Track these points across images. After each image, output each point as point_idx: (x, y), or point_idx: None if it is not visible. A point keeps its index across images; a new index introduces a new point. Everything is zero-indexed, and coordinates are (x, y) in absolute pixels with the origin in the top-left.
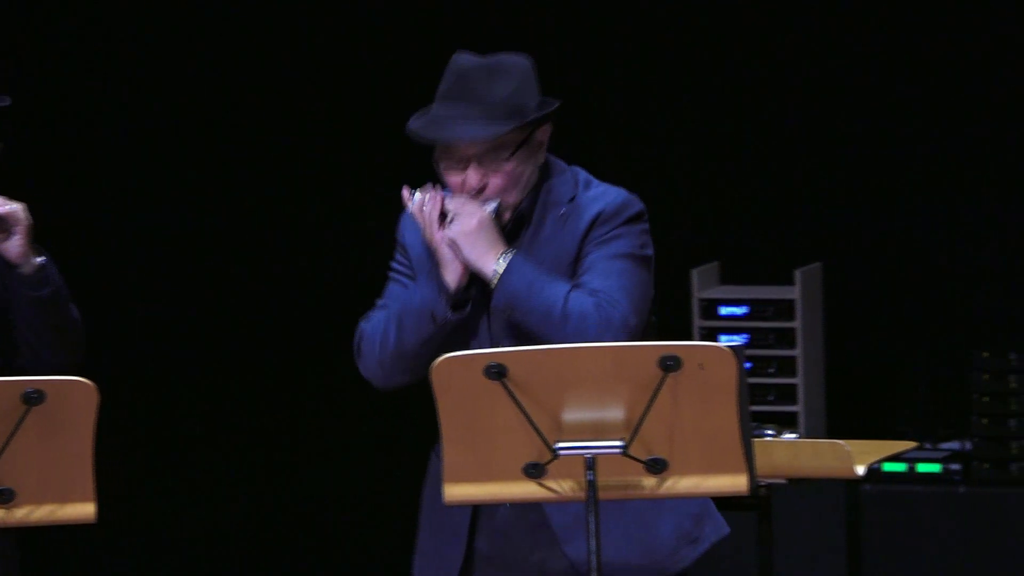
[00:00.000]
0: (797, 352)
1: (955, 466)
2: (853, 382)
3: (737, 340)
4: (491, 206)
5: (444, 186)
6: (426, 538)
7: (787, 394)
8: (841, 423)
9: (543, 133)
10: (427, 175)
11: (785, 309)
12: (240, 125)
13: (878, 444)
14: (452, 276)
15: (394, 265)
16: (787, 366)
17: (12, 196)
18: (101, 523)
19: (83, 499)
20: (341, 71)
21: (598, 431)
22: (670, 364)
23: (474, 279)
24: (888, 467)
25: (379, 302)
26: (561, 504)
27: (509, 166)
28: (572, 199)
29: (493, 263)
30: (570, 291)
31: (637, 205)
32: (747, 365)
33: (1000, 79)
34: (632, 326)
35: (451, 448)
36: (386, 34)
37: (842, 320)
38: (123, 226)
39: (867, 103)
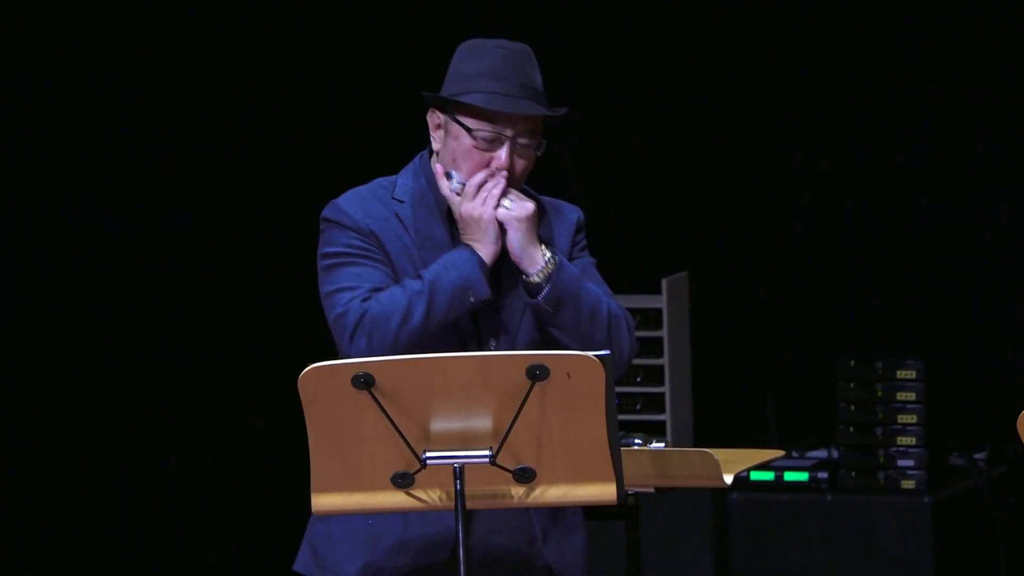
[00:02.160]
0: (664, 361)
1: (822, 474)
2: (720, 391)
3: (603, 350)
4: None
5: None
6: (394, 523)
7: (655, 403)
8: (708, 432)
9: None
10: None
11: (652, 318)
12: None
13: (745, 453)
14: (489, 256)
15: (348, 250)
16: (654, 375)
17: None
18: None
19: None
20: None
21: (466, 441)
22: (537, 373)
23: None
24: (755, 476)
25: (346, 284)
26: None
27: (536, 152)
28: (535, 198)
29: (540, 256)
30: (602, 295)
31: None
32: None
33: (874, 83)
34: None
35: (318, 458)
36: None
37: (709, 329)
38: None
39: (731, 110)
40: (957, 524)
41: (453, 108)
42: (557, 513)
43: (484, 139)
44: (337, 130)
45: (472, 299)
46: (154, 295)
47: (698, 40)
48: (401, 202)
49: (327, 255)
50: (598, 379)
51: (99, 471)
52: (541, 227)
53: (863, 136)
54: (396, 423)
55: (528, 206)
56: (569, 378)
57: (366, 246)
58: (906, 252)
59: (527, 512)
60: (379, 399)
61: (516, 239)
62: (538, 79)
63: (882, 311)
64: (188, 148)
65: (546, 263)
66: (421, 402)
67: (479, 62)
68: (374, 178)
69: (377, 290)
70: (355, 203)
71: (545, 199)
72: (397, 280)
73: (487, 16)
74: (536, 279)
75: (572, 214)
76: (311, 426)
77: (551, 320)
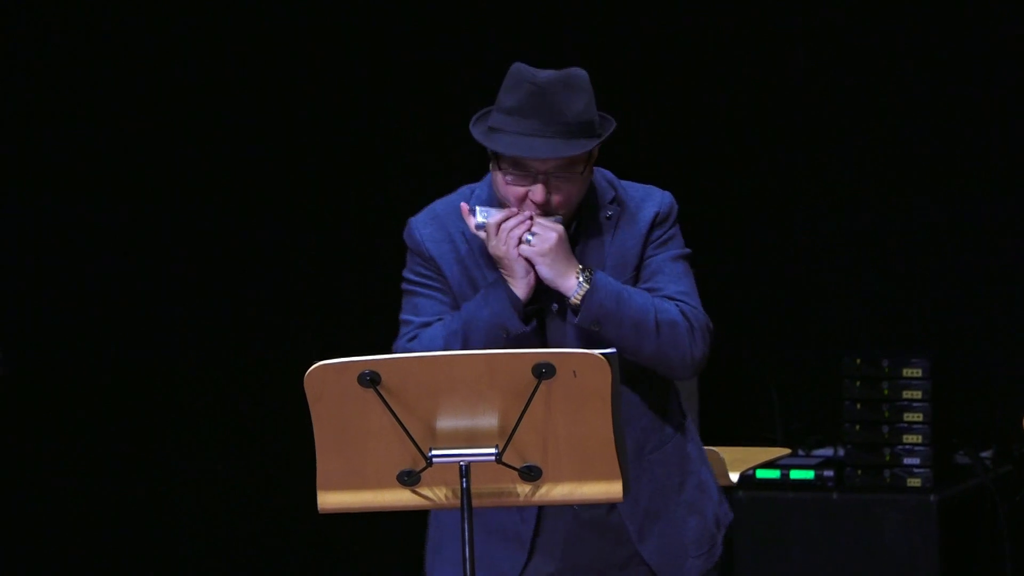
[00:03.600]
0: None
1: (828, 473)
2: (726, 389)
3: (610, 348)
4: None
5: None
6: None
7: None
8: (714, 430)
9: (597, 149)
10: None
11: None
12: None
13: (751, 451)
14: (522, 291)
15: (414, 278)
16: None
17: None
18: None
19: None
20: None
21: (472, 439)
22: (544, 372)
23: (537, 294)
24: (761, 474)
25: (404, 317)
26: (632, 503)
27: (581, 180)
28: (613, 199)
29: (574, 281)
30: (653, 301)
31: (676, 203)
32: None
33: (877, 83)
34: (712, 328)
35: (324, 456)
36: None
37: (715, 327)
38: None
39: (736, 108)
40: (963, 522)
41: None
42: (655, 509)
43: (513, 175)
44: (337, 130)
45: (506, 335)
46: (154, 295)
47: (699, 40)
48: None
49: (403, 279)
50: (604, 377)
51: (99, 471)
52: (596, 231)
53: (870, 134)
54: (402, 421)
55: (551, 237)
56: (575, 376)
57: (427, 273)
58: (912, 250)
59: (618, 515)
60: (385, 397)
61: (544, 272)
62: (575, 108)
63: (888, 309)
64: (189, 148)
65: (579, 286)
66: (427, 400)
67: (512, 96)
68: (374, 178)
69: (426, 325)
70: (424, 224)
71: (631, 190)
72: (456, 305)
73: (488, 15)
74: (574, 302)
75: (650, 209)
76: (317, 424)
77: (598, 337)
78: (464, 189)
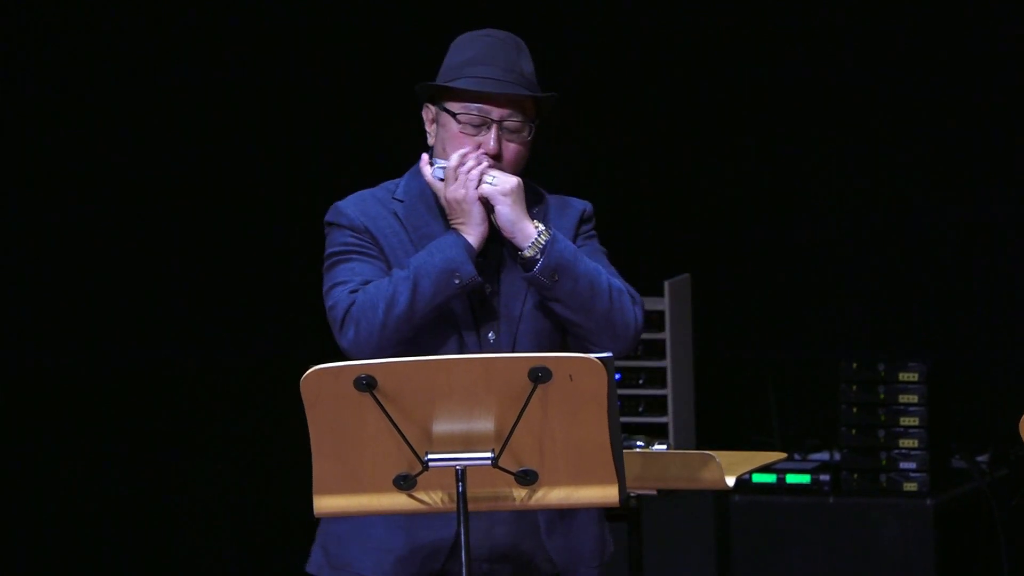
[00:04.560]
0: (667, 363)
1: (824, 477)
2: (722, 393)
3: (606, 352)
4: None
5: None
6: (390, 527)
7: (657, 405)
8: (711, 434)
9: (537, 125)
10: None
11: (654, 321)
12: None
13: (747, 455)
14: (475, 238)
15: (344, 248)
16: (657, 377)
17: None
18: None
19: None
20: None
21: (468, 443)
22: (540, 376)
23: (483, 256)
24: (757, 478)
25: (340, 279)
26: None
27: (524, 144)
28: (539, 200)
29: (532, 228)
30: (600, 268)
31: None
32: (616, 376)
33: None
34: (644, 308)
35: (320, 460)
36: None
37: (711, 331)
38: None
39: (732, 111)
40: (959, 527)
41: (440, 96)
42: (563, 508)
43: (470, 123)
44: (338, 130)
45: (457, 281)
46: (154, 295)
47: (700, 41)
48: (401, 201)
49: (327, 256)
50: (600, 381)
51: (99, 471)
52: (547, 220)
53: (865, 137)
54: (398, 425)
55: (512, 179)
56: (571, 380)
57: (361, 243)
58: (909, 254)
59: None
60: (381, 401)
61: (504, 213)
62: (527, 67)
63: (885, 313)
64: (189, 148)
65: (539, 235)
66: (423, 404)
67: (466, 52)
68: (375, 177)
69: (368, 283)
70: (353, 204)
71: (553, 196)
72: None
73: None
74: (530, 252)
75: (577, 206)
76: (313, 428)
77: (550, 293)
78: (387, 183)
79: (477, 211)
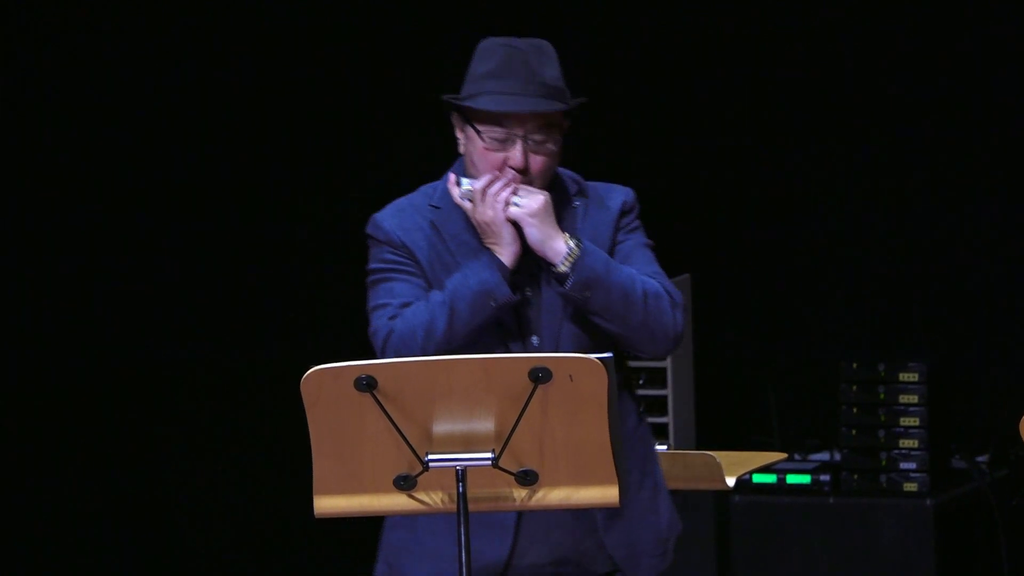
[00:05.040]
0: (666, 364)
1: (824, 477)
2: (722, 394)
3: (607, 353)
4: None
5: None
6: (438, 534)
7: (657, 406)
8: (711, 435)
9: (567, 125)
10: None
11: None
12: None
13: (748, 455)
14: (508, 257)
15: (384, 265)
16: (657, 378)
17: None
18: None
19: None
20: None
21: (468, 443)
22: (540, 376)
23: (521, 265)
24: (758, 478)
25: (380, 302)
26: None
27: (554, 148)
28: (579, 192)
29: (563, 244)
30: (637, 273)
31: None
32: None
33: (876, 83)
34: (687, 308)
35: (320, 460)
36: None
37: (711, 332)
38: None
39: (733, 111)
40: (959, 527)
41: (464, 111)
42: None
43: (495, 139)
44: (339, 130)
45: (494, 303)
46: (154, 295)
47: (700, 41)
48: (438, 208)
49: (368, 272)
50: (600, 381)
51: (99, 471)
52: (584, 219)
53: (866, 138)
54: (398, 425)
55: (539, 198)
56: (571, 380)
57: (399, 259)
58: (909, 254)
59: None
60: (381, 401)
61: (532, 234)
62: (550, 73)
63: (885, 313)
64: (188, 148)
65: (570, 251)
66: (423, 404)
67: (487, 62)
68: (375, 177)
69: (406, 305)
70: (390, 216)
71: (593, 185)
72: (432, 289)
73: (490, 15)
74: (563, 268)
75: (617, 198)
76: (313, 428)
77: (584, 307)
78: (425, 187)
79: (508, 232)
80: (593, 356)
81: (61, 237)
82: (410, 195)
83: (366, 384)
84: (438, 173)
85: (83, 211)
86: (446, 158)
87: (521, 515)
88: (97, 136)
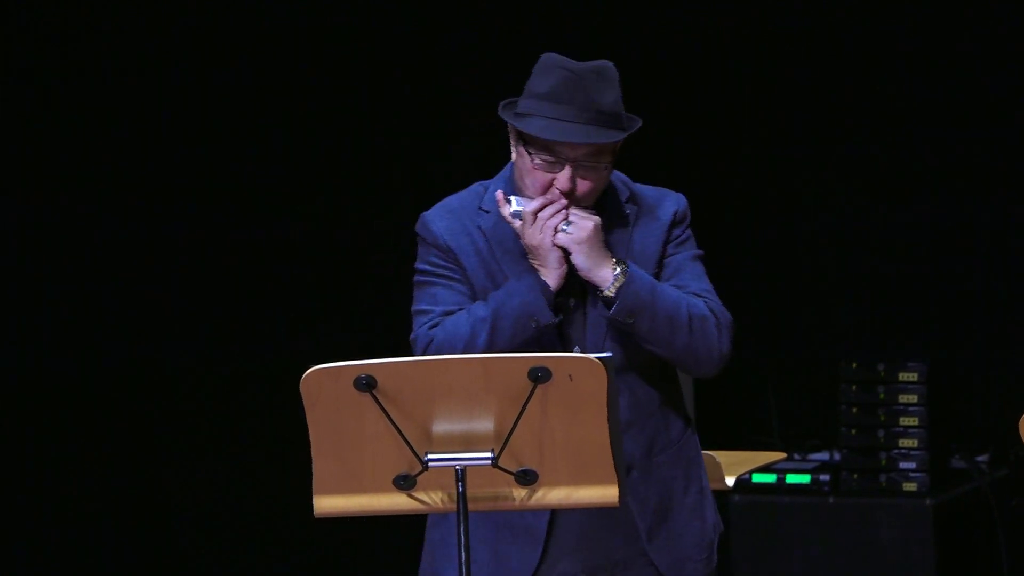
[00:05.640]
0: None
1: (824, 477)
2: (722, 393)
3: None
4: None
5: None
6: (487, 533)
7: None
8: (710, 434)
9: (621, 143)
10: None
11: None
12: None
13: (747, 455)
14: (554, 281)
15: (430, 268)
16: None
17: None
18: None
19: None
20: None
21: (468, 443)
22: (539, 376)
23: (567, 286)
24: (757, 478)
25: (423, 307)
26: (642, 502)
27: (605, 172)
28: (629, 198)
29: (609, 271)
30: (684, 295)
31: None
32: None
33: (876, 83)
34: (734, 326)
35: (320, 460)
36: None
37: None
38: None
39: (733, 111)
40: (959, 527)
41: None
42: (663, 509)
43: (545, 161)
44: (337, 130)
45: (535, 325)
46: (154, 295)
47: (700, 41)
48: (487, 212)
49: (415, 271)
50: (600, 381)
51: (99, 471)
52: (617, 229)
53: (866, 137)
54: (398, 425)
55: (588, 226)
56: (571, 380)
57: (445, 264)
58: (908, 254)
59: (630, 512)
60: (381, 401)
61: (580, 261)
62: (608, 99)
63: (884, 313)
64: (189, 148)
65: (615, 278)
66: (423, 404)
67: (545, 82)
68: (375, 178)
69: (448, 314)
70: (439, 217)
71: (645, 191)
72: (475, 297)
73: (490, 15)
74: (609, 293)
75: (669, 208)
76: (313, 428)
77: (629, 331)
78: (476, 186)
79: (555, 257)
80: (593, 356)
81: (61, 237)
82: (460, 194)
83: (365, 384)
84: (439, 174)
85: (83, 211)
86: (446, 159)
87: (552, 524)
88: (97, 136)
